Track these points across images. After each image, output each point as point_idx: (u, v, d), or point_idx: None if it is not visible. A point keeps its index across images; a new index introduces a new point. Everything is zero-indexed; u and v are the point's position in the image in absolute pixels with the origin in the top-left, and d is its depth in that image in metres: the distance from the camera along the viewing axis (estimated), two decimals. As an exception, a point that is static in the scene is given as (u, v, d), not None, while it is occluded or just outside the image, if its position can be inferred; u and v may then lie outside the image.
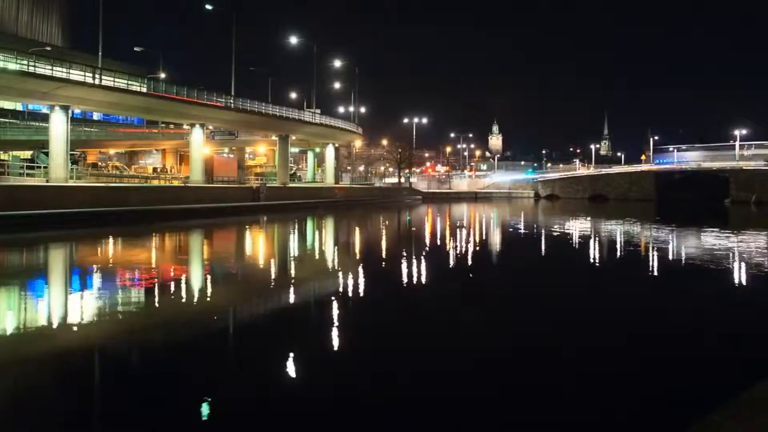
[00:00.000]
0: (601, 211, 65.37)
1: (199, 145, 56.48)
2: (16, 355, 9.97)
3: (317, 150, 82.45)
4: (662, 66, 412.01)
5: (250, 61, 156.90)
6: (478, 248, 28.74)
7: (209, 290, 16.75)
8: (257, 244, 30.81)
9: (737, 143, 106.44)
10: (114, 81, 45.35)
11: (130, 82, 47.76)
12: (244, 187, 59.75)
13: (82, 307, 14.09)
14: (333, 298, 14.76)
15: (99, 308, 13.68)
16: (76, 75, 42.49)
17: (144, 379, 8.79)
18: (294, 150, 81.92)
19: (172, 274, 19.45)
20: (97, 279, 17.90)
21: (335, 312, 13.11)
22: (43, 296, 15.41)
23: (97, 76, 43.68)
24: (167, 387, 8.45)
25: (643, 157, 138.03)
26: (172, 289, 16.41)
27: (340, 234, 37.74)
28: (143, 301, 14.66)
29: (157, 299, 14.72)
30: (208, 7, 57.01)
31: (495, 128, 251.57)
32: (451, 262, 22.73)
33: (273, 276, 19.51)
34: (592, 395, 8.24)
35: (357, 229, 41.09)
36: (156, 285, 16.65)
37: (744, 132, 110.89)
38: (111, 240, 29.90)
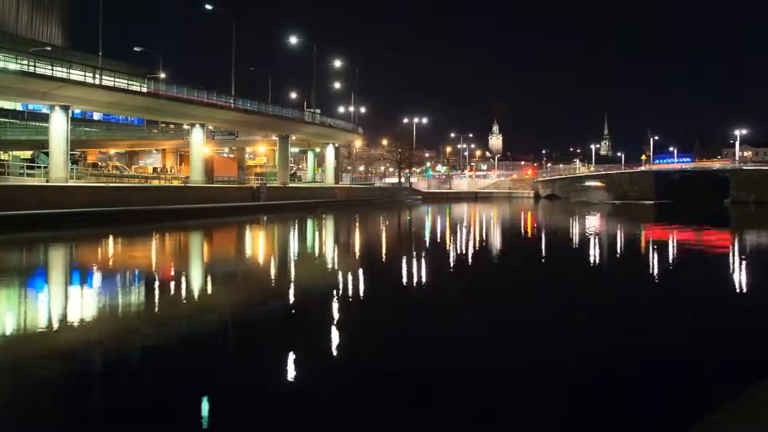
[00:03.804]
0: (607, 211, 65.37)
1: (199, 145, 56.46)
2: (15, 355, 9.97)
3: (317, 150, 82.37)
4: (662, 66, 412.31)
5: (250, 61, 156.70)
6: (478, 248, 28.72)
7: (209, 290, 16.76)
8: (257, 244, 30.81)
9: (737, 143, 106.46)
10: (114, 81, 45.31)
11: (130, 82, 47.71)
12: (244, 187, 59.70)
13: (82, 306, 14.09)
14: (333, 297, 14.74)
15: (99, 308, 13.67)
16: (76, 75, 42.45)
17: (144, 379, 8.78)
18: (294, 150, 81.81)
19: (172, 273, 19.46)
20: (97, 279, 17.89)
21: (335, 311, 13.10)
22: (44, 296, 15.39)
23: (97, 76, 43.64)
24: (167, 386, 8.46)
25: (643, 157, 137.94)
26: (172, 288, 16.41)
27: (340, 234, 37.74)
28: (143, 301, 14.66)
29: (156, 299, 14.73)
30: (208, 7, 57.02)
31: (495, 128, 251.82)
32: (452, 262, 22.72)
33: (273, 276, 19.51)
34: (591, 394, 8.24)
35: (357, 229, 41.07)
36: (156, 285, 16.64)
37: (744, 132, 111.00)
38: (111, 240, 29.89)
